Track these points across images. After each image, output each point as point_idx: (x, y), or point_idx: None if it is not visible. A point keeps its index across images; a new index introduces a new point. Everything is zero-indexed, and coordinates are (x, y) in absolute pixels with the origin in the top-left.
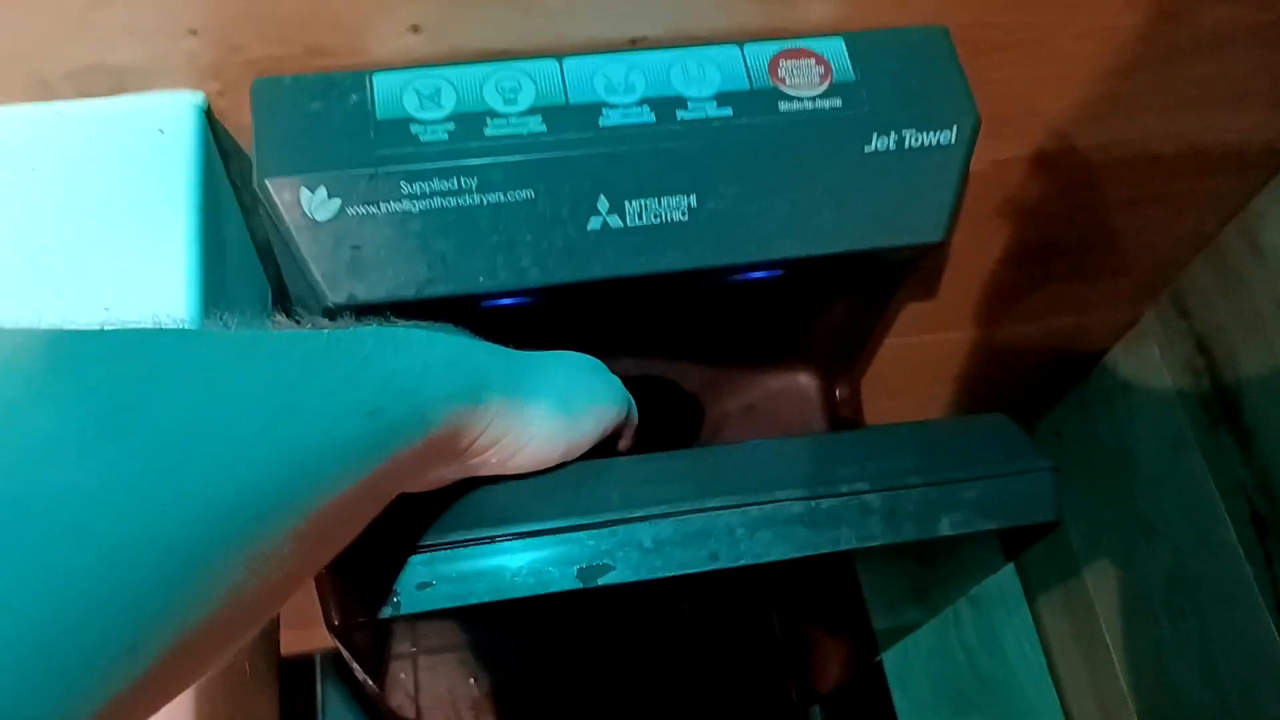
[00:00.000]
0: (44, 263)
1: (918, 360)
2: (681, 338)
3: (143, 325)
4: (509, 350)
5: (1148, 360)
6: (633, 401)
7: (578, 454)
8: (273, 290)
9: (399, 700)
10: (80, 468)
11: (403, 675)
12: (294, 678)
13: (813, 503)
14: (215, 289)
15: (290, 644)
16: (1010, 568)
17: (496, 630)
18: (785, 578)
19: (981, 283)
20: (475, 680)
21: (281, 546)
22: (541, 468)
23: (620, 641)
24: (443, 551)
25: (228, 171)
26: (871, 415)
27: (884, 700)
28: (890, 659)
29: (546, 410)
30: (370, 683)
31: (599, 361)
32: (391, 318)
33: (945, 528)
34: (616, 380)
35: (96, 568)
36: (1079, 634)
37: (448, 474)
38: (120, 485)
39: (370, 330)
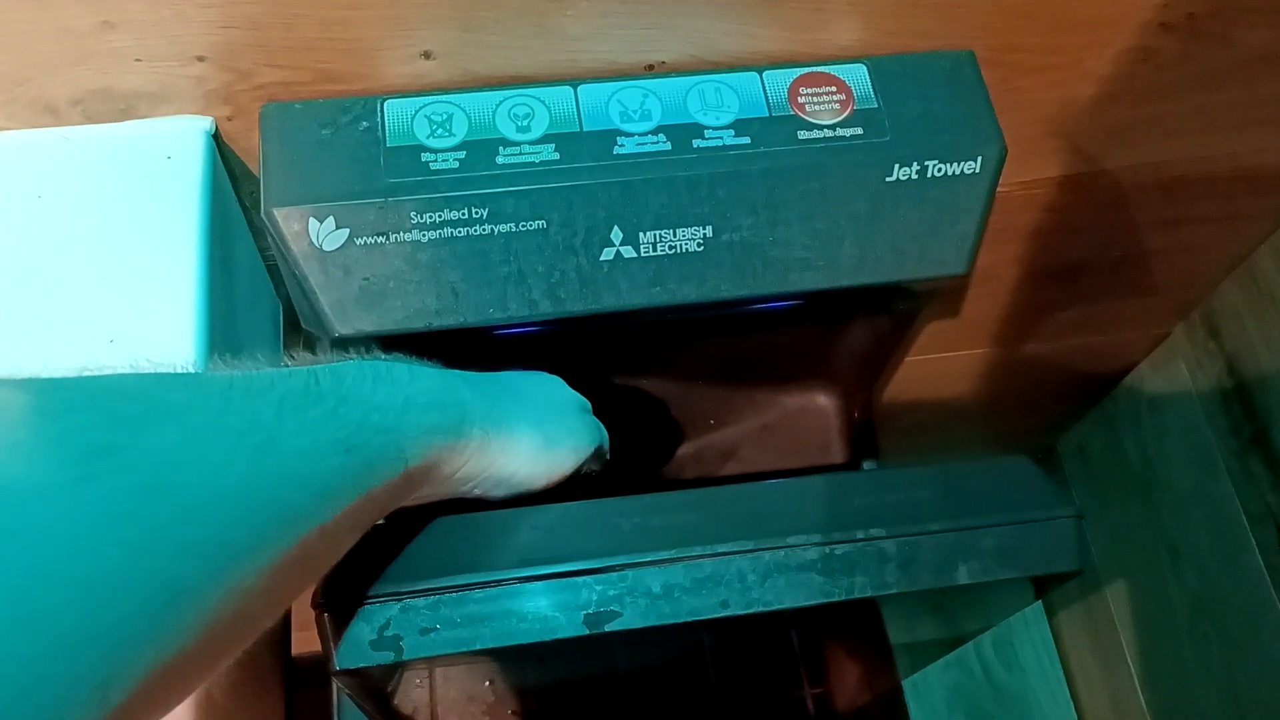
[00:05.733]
0: (51, 289)
1: (940, 376)
2: (698, 359)
3: (124, 370)
4: (494, 380)
5: (1176, 379)
6: (605, 436)
7: (556, 483)
8: (284, 309)
9: (414, 703)
10: (52, 512)
11: (418, 682)
12: (308, 678)
13: (828, 549)
14: (224, 313)
15: (303, 644)
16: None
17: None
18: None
19: (1006, 302)
20: (491, 683)
21: (258, 579)
22: (523, 493)
23: (638, 655)
24: (448, 595)
25: (238, 194)
26: (892, 430)
27: (900, 713)
28: (906, 671)
29: (528, 445)
30: (381, 685)
31: (580, 397)
32: (376, 351)
33: (963, 576)
34: (594, 420)
35: (67, 607)
36: (1099, 651)
37: (434, 495)
38: (92, 526)
39: (352, 365)
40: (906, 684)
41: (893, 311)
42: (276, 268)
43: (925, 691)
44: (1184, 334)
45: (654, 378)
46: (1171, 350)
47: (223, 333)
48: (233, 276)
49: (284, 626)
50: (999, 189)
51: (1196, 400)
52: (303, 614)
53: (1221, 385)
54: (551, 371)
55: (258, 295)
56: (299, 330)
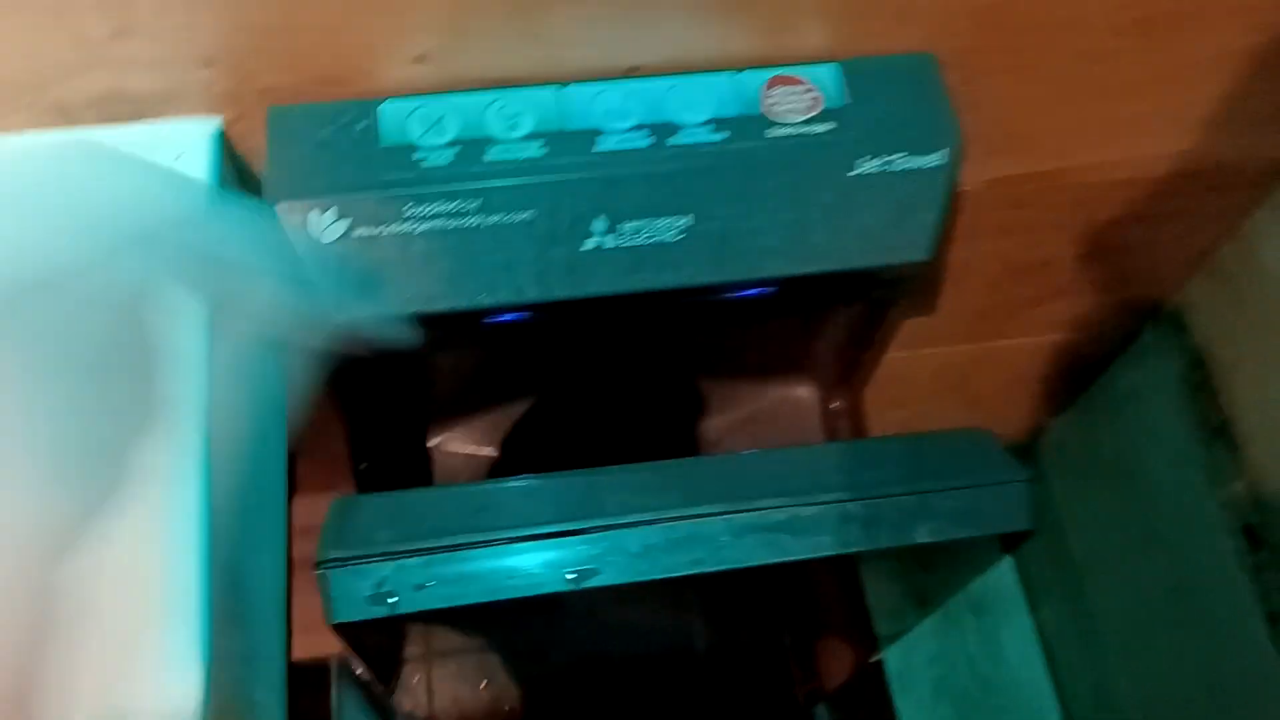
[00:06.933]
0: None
1: (922, 372)
2: (682, 351)
3: None
4: None
5: (1148, 374)
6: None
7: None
8: None
9: (412, 703)
10: None
11: (416, 678)
12: (307, 683)
13: (795, 510)
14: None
15: (303, 649)
16: (1013, 575)
17: (510, 633)
18: (790, 581)
19: (981, 298)
20: (487, 684)
21: None
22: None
23: (629, 646)
24: (439, 555)
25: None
26: (877, 426)
27: (886, 705)
28: (892, 663)
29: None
30: (379, 684)
31: None
32: None
33: (922, 535)
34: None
35: None
36: (1081, 640)
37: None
38: None
39: None
40: (893, 678)
41: (867, 301)
42: None
43: (911, 684)
44: (1153, 330)
45: (641, 372)
46: (1143, 346)
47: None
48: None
49: (285, 629)
50: (968, 187)
51: (1167, 394)
52: (304, 617)
53: (1190, 379)
54: (539, 363)
55: None
56: None
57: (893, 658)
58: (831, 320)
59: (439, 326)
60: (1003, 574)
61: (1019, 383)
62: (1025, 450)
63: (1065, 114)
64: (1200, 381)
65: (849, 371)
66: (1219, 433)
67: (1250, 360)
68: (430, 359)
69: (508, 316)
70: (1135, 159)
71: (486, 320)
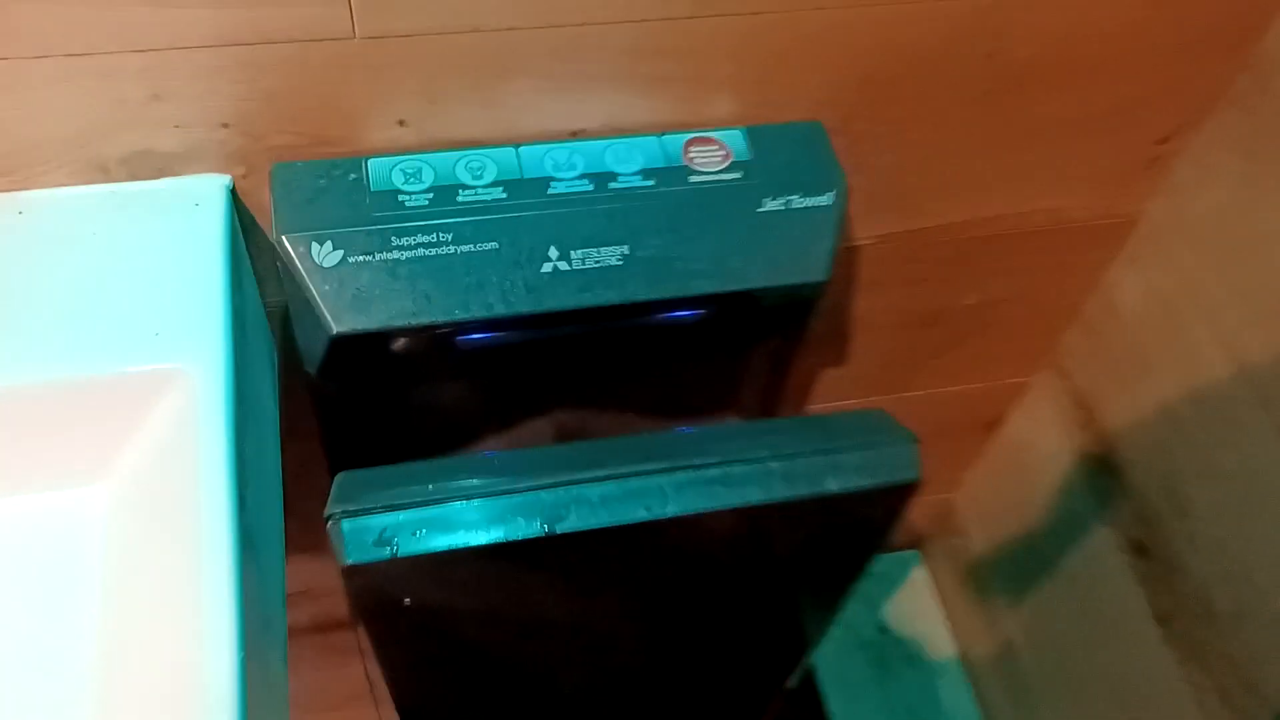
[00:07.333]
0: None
1: None
2: (623, 389)
3: None
4: None
5: (1039, 420)
6: None
7: None
8: (279, 349)
9: None
10: None
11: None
12: None
13: (727, 468)
14: (239, 328)
15: None
16: (945, 628)
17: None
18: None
19: (885, 350)
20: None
21: None
22: None
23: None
24: (433, 507)
25: (246, 244)
26: None
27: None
28: (836, 711)
29: None
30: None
31: None
32: None
33: (831, 486)
34: None
35: None
36: (1008, 682)
37: None
38: None
39: None
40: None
41: (781, 330)
42: (272, 313)
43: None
44: (1041, 378)
45: (586, 409)
46: (1034, 393)
47: (240, 343)
48: (245, 306)
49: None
50: (861, 242)
51: (1057, 433)
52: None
53: (1074, 417)
54: (505, 384)
55: (259, 330)
56: (289, 373)
57: (836, 707)
58: (751, 352)
59: (419, 343)
60: (936, 629)
61: (931, 437)
62: (944, 508)
63: (937, 174)
64: (1083, 420)
65: (770, 406)
66: (1103, 463)
67: (1120, 396)
68: (407, 397)
69: (477, 336)
70: (997, 216)
71: (460, 339)
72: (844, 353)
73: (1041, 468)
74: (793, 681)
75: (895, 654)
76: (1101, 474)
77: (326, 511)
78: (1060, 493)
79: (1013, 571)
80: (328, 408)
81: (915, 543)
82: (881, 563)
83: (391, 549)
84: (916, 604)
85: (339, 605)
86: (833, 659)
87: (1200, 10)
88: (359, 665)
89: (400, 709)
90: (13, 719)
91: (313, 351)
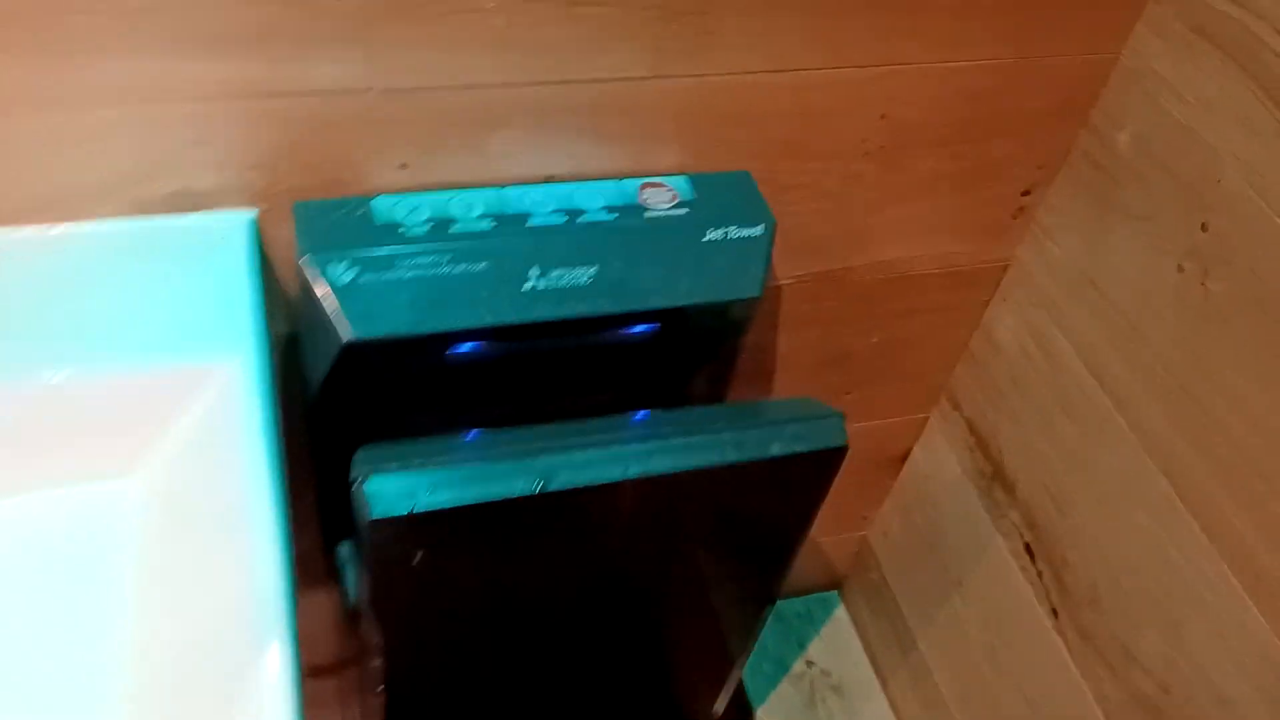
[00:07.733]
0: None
1: None
2: (585, 402)
3: None
4: None
5: (938, 450)
6: None
7: None
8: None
9: None
10: None
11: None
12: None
13: (689, 438)
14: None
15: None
16: (864, 657)
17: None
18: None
19: (804, 386)
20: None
21: None
22: None
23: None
24: (446, 468)
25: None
26: None
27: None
28: None
29: None
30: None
31: None
32: None
33: (775, 449)
34: None
35: None
36: (924, 698)
37: None
38: None
39: None
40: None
41: (720, 338)
42: (275, 345)
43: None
44: (938, 411)
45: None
46: (932, 427)
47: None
48: (266, 336)
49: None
50: (782, 281)
51: (955, 461)
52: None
53: (968, 444)
54: (487, 391)
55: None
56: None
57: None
58: (698, 374)
59: (419, 352)
60: (857, 659)
61: (846, 475)
62: (859, 546)
63: (844, 221)
64: (975, 443)
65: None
66: (995, 478)
67: (1004, 418)
68: (403, 405)
69: (466, 348)
70: (892, 261)
71: (450, 352)
72: (769, 391)
73: (943, 495)
74: (719, 707)
75: (822, 684)
76: (993, 490)
77: (351, 475)
78: (961, 517)
79: (922, 596)
80: (321, 425)
81: (835, 583)
82: (805, 603)
83: (411, 503)
84: (838, 639)
85: (316, 653)
86: (765, 689)
87: (1043, 77)
88: (337, 716)
89: (389, 685)
90: (49, 704)
91: (322, 363)
